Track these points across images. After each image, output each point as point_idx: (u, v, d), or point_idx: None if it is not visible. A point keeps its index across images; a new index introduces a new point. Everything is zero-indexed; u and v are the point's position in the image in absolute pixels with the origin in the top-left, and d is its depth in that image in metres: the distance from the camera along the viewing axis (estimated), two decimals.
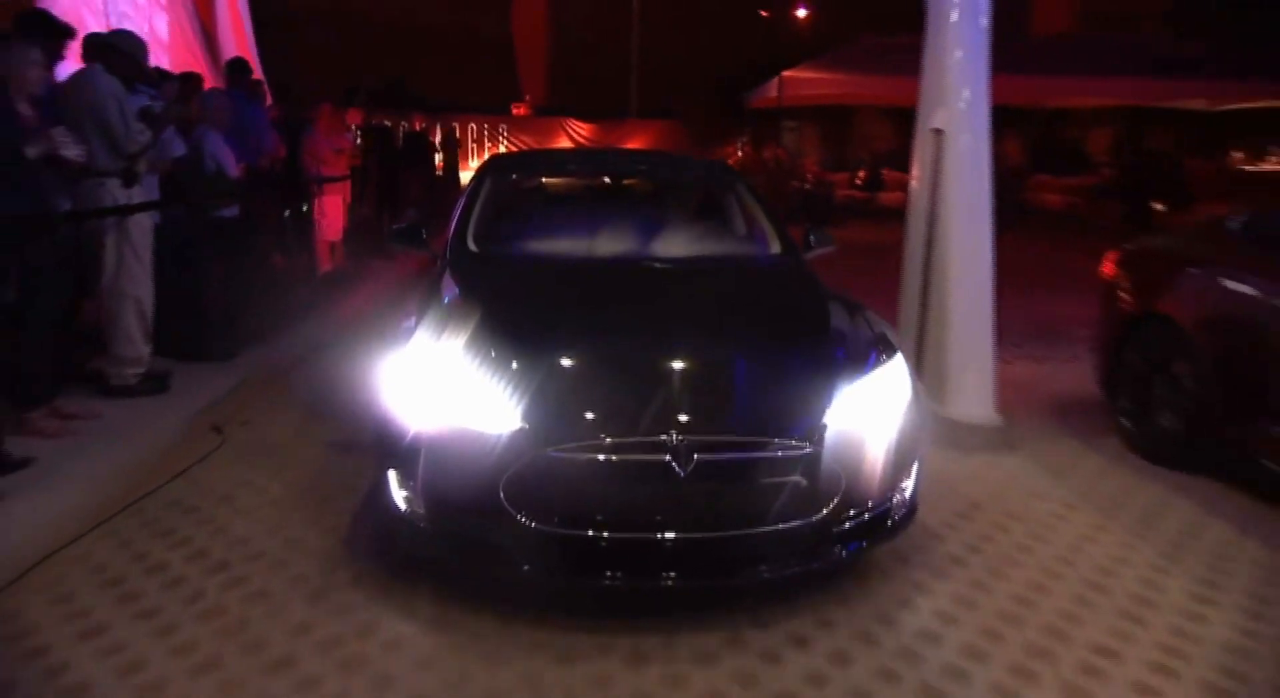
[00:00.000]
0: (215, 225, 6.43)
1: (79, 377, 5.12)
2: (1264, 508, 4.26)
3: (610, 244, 4.34)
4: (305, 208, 8.51)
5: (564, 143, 26.61)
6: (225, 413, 5.16)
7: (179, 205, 5.88)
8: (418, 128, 19.33)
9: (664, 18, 28.14)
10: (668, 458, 2.73)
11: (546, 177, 5.18)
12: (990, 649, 2.94)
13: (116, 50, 5.17)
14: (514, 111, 31.49)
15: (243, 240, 6.84)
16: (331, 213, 9.01)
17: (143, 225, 5.15)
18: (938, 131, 5.15)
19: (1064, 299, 8.62)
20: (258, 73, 8.71)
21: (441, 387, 3.01)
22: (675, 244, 4.43)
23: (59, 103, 4.81)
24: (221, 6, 9.12)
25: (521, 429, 2.81)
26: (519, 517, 2.77)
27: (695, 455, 2.74)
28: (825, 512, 2.91)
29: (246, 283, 6.62)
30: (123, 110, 4.90)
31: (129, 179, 4.99)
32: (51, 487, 3.90)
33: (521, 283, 4.03)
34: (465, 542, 2.95)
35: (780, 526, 2.88)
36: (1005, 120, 20.44)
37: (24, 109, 4.28)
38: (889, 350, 3.46)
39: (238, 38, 9.17)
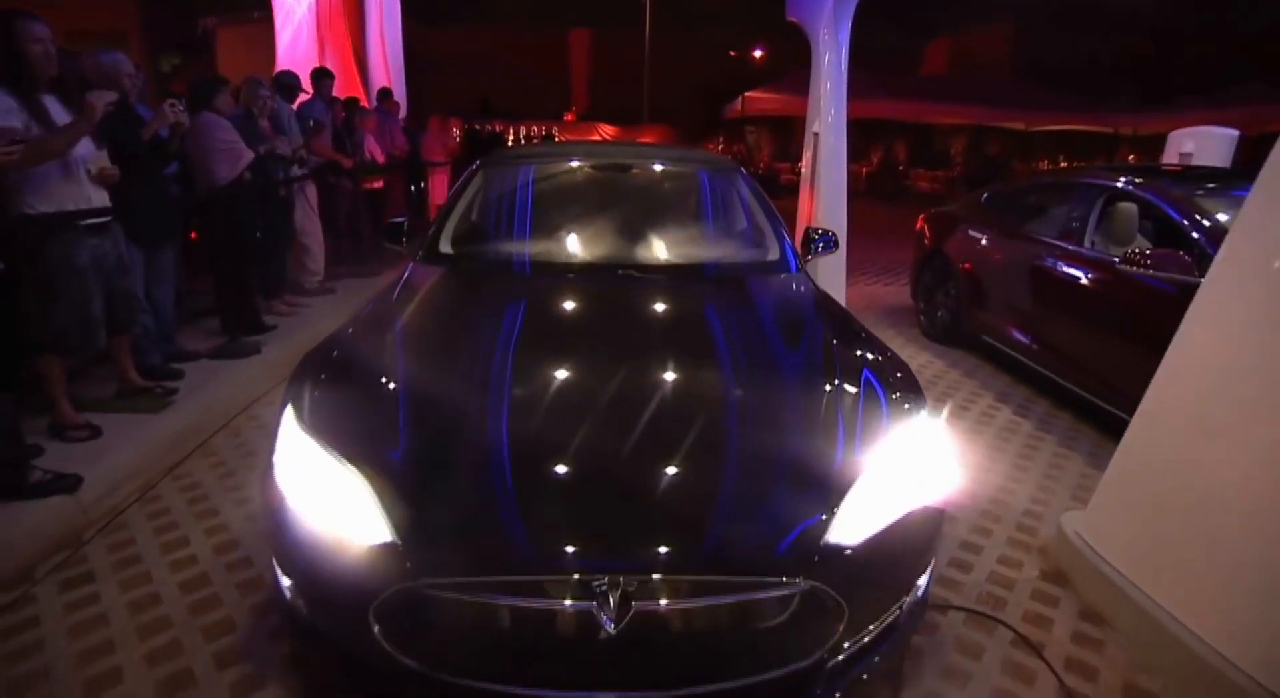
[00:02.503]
0: (367, 194, 6.65)
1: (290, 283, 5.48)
2: (986, 364, 4.71)
3: (599, 248, 2.81)
4: (422, 183, 8.73)
5: (595, 137, 26.15)
6: None
7: (346, 180, 6.13)
8: (497, 130, 19.84)
9: (666, 56, 27.70)
10: (593, 605, 1.39)
11: (545, 170, 3.36)
12: None
13: (289, 87, 5.53)
14: (565, 118, 31.27)
15: (383, 202, 7.03)
16: (438, 186, 9.04)
17: (312, 190, 5.52)
18: (816, 134, 5.30)
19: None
20: (398, 95, 8.88)
21: (315, 464, 1.65)
22: (666, 251, 2.83)
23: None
24: (374, 50, 9.31)
25: (393, 546, 1.47)
26: (392, 651, 1.47)
27: (633, 604, 1.39)
28: (817, 655, 1.53)
29: (384, 228, 6.96)
30: (290, 121, 5.25)
31: (301, 163, 5.26)
32: (286, 339, 4.45)
33: (466, 310, 2.42)
34: (342, 656, 1.59)
35: (752, 678, 1.51)
36: (896, 131, 20.67)
37: (264, 125, 4.70)
38: (910, 401, 1.91)
39: (385, 72, 9.36)
